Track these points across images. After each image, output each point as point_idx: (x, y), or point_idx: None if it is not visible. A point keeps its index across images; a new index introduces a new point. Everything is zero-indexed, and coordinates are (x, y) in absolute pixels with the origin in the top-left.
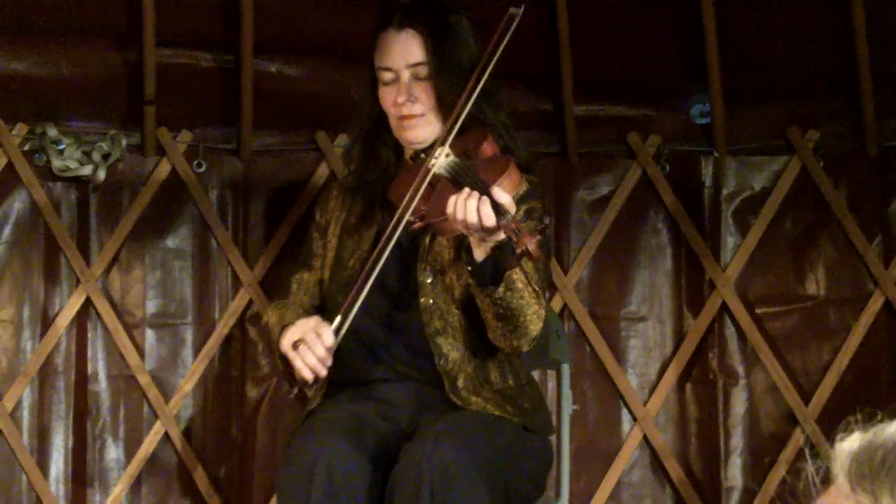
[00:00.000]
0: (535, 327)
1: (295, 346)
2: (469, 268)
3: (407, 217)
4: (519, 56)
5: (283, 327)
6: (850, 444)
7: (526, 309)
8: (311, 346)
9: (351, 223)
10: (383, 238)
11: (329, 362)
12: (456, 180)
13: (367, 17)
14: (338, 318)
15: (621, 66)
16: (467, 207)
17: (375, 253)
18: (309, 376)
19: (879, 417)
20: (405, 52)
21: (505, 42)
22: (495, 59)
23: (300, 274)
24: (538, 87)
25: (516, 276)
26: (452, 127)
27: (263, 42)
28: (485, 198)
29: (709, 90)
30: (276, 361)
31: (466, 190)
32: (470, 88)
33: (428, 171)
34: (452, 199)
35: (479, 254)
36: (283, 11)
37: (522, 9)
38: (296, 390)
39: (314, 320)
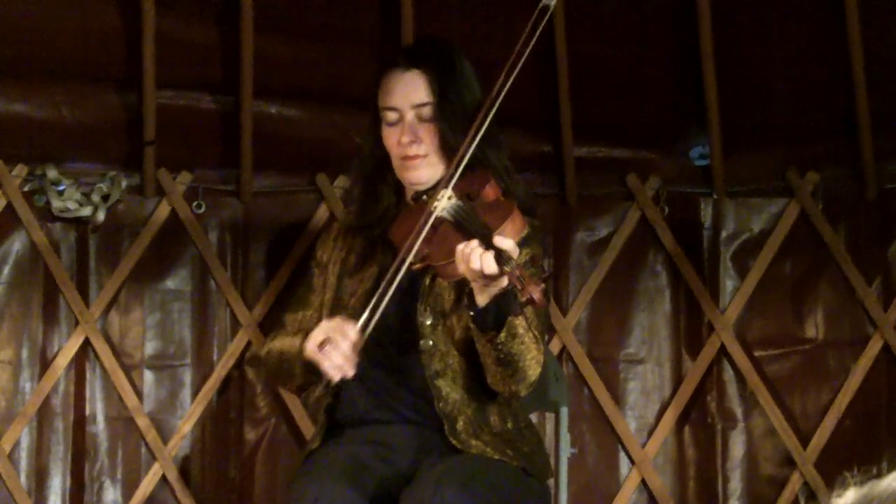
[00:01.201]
0: (533, 372)
1: (321, 346)
2: (471, 312)
3: (410, 259)
4: (519, 99)
5: (306, 333)
6: (845, 500)
7: (526, 354)
8: (337, 344)
9: (351, 263)
10: (386, 279)
11: (356, 359)
12: (459, 224)
13: (366, 60)
14: (364, 315)
15: (620, 109)
16: (472, 255)
17: (382, 288)
18: (336, 376)
19: (875, 472)
20: (410, 92)
21: (533, 42)
22: (516, 70)
23: (297, 313)
24: (537, 130)
25: (518, 321)
26: (456, 169)
27: (263, 84)
28: (488, 244)
29: (708, 132)
30: (293, 373)
31: (471, 242)
32: (473, 132)
33: (431, 213)
34: (458, 247)
35: (482, 299)
36: (282, 54)
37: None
38: (317, 393)
39: (337, 320)
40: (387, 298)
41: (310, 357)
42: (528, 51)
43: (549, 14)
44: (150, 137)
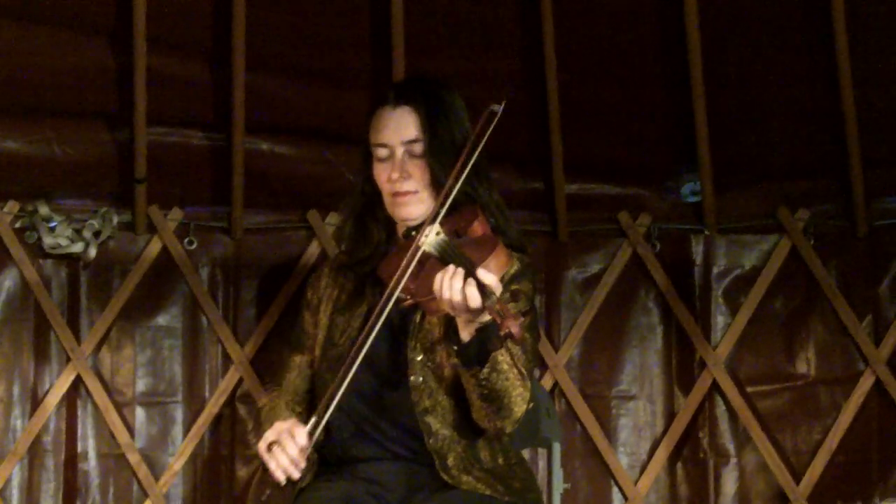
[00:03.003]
0: (518, 409)
1: (270, 447)
2: (455, 347)
3: (396, 295)
4: (510, 136)
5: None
6: None
7: (511, 391)
8: (284, 447)
9: (342, 301)
10: (371, 319)
11: (302, 464)
12: (444, 259)
13: (358, 98)
14: (313, 419)
15: (611, 146)
16: (453, 287)
17: (362, 335)
18: (281, 477)
19: None
20: (400, 128)
21: (486, 137)
22: (477, 151)
23: (294, 357)
24: (529, 167)
25: (501, 357)
26: (441, 206)
27: (254, 121)
28: (470, 279)
29: (699, 170)
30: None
31: (452, 269)
32: (456, 173)
33: (417, 248)
34: (438, 277)
35: (465, 334)
36: (273, 92)
37: (503, 106)
38: (268, 492)
39: (290, 422)
40: (363, 350)
41: (260, 455)
42: (480, 146)
43: (497, 118)
44: (141, 175)
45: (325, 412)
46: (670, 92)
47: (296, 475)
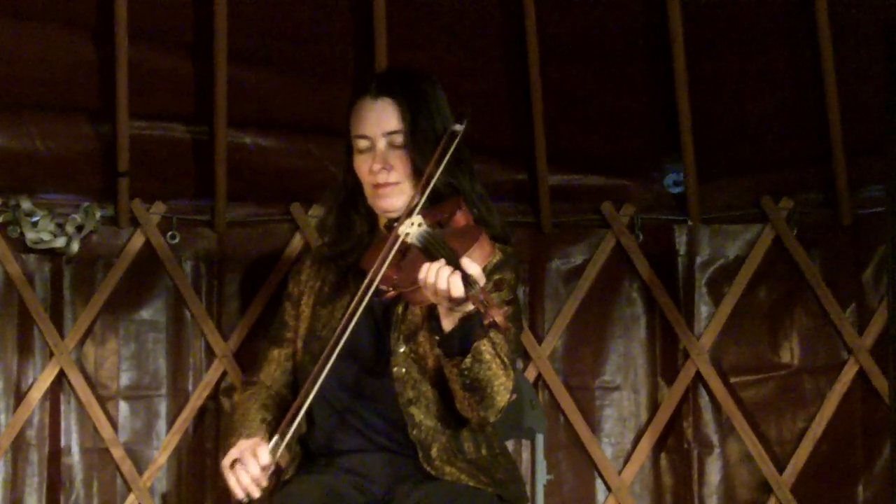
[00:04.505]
0: (501, 399)
1: (233, 465)
2: (437, 337)
3: (376, 284)
4: (494, 128)
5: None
6: None
7: (493, 381)
8: (246, 466)
9: (325, 293)
10: (352, 306)
11: (264, 482)
12: (427, 250)
13: (340, 90)
14: (275, 438)
15: (595, 137)
16: (438, 276)
17: (342, 323)
18: (241, 495)
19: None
20: (381, 119)
21: (448, 155)
22: (441, 169)
23: (273, 351)
24: (512, 158)
25: (484, 347)
26: (422, 195)
27: (237, 114)
28: (454, 269)
29: (682, 160)
30: None
31: (437, 261)
32: (423, 184)
33: (398, 237)
34: (424, 267)
35: (448, 324)
36: (256, 85)
37: (464, 125)
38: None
39: (252, 441)
40: (339, 347)
41: (223, 472)
42: (443, 165)
43: (458, 138)
44: (124, 168)
45: (289, 428)
46: (653, 82)
47: (256, 494)
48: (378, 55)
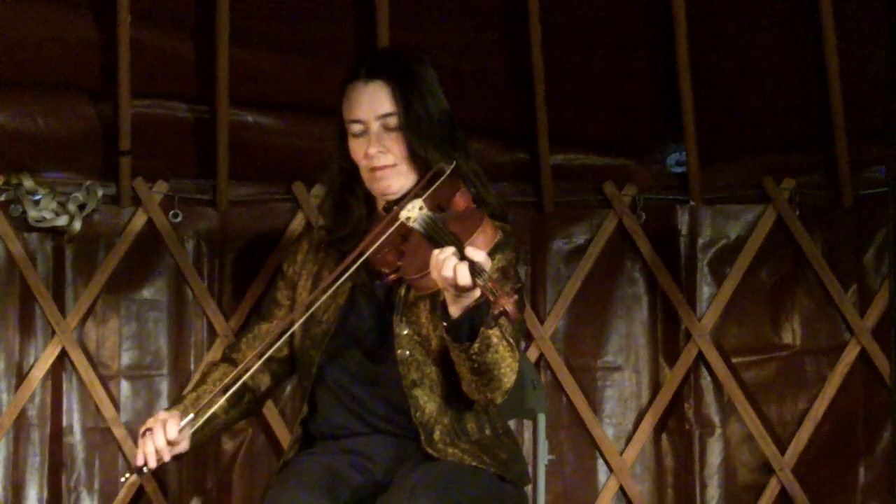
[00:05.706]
0: (508, 380)
1: (143, 433)
2: (444, 323)
3: (368, 254)
4: (495, 108)
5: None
6: None
7: (500, 363)
8: (154, 436)
9: (324, 277)
10: (337, 270)
11: (166, 457)
12: (430, 236)
13: (341, 70)
14: (190, 415)
15: (597, 117)
16: (446, 263)
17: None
18: (139, 462)
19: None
20: (374, 103)
21: (431, 190)
22: (427, 193)
23: (262, 325)
24: (513, 138)
25: (492, 332)
26: (429, 184)
27: (239, 94)
28: (461, 256)
29: (684, 140)
30: None
31: (445, 249)
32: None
33: (397, 218)
34: (434, 252)
35: (455, 311)
36: (258, 64)
37: (452, 167)
38: (127, 475)
39: (170, 413)
40: (317, 304)
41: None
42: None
43: (443, 177)
44: (126, 147)
45: (207, 410)
46: (656, 62)
47: (152, 465)
48: (380, 35)
